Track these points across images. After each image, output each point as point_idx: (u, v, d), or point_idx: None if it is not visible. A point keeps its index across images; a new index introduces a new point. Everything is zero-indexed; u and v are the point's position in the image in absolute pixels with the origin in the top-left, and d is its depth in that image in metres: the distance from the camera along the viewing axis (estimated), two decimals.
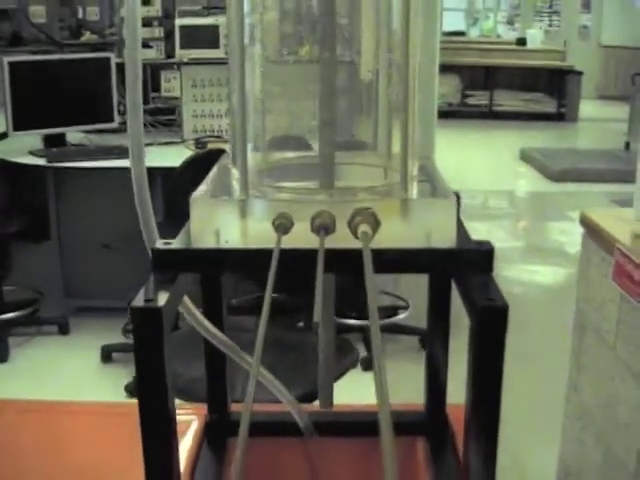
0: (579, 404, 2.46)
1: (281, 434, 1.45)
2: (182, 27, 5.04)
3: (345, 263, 1.00)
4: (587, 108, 14.21)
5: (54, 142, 4.80)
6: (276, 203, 1.01)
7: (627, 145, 10.19)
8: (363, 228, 0.95)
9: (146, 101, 5.99)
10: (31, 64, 4.73)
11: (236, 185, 1.06)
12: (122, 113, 5.37)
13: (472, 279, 0.98)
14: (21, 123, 4.60)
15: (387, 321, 4.73)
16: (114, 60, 5.01)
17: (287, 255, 0.97)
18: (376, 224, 0.97)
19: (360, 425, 1.48)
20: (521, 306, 4.65)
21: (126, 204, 4.58)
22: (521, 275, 5.92)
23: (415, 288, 4.70)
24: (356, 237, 0.96)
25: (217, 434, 1.43)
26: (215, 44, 5.06)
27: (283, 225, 0.97)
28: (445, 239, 1.01)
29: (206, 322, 1.21)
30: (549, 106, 13.91)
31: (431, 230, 1.01)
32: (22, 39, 5.52)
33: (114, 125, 5.05)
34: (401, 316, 4.81)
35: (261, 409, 1.54)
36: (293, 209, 0.99)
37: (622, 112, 11.68)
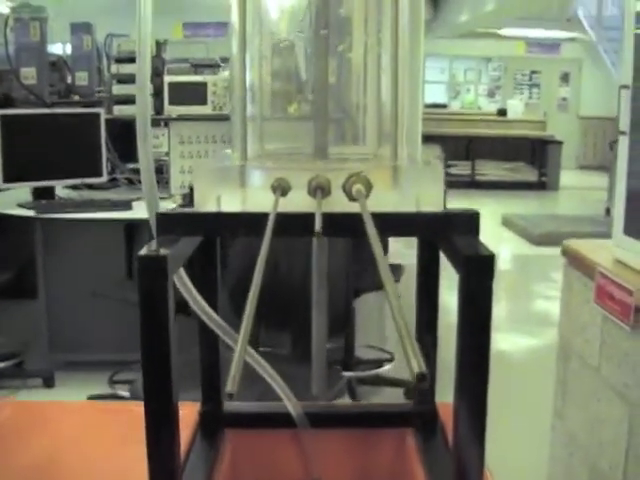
0: (565, 431, 2.49)
1: (274, 426, 1.47)
2: (171, 84, 5.14)
3: (341, 225, 1.05)
4: (567, 177, 14.44)
5: (43, 195, 4.85)
6: (274, 169, 1.06)
7: (607, 211, 10.32)
8: (358, 187, 1.01)
9: (134, 159, 6.08)
10: (22, 118, 4.81)
11: (235, 155, 1.11)
12: (111, 170, 5.46)
13: (459, 240, 1.04)
14: (11, 176, 4.65)
15: (371, 372, 4.75)
16: (103, 116, 5.11)
17: (285, 218, 1.02)
18: (369, 186, 1.03)
19: (354, 417, 1.52)
20: (503, 371, 4.67)
21: (113, 255, 4.61)
22: (505, 340, 5.95)
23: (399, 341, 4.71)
24: (351, 198, 1.02)
25: (211, 425, 1.45)
26: (203, 101, 5.16)
27: (281, 187, 1.02)
28: (433, 204, 1.07)
29: (199, 297, 1.25)
30: (530, 175, 14.12)
31: (420, 195, 1.07)
32: (12, 100, 5.60)
33: (103, 179, 5.13)
34: (386, 367, 4.83)
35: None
36: (290, 175, 1.05)
37: (602, 181, 11.86)
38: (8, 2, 10.53)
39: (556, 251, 8.21)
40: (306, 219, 1.04)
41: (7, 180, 4.63)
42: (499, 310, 6.96)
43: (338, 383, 2.49)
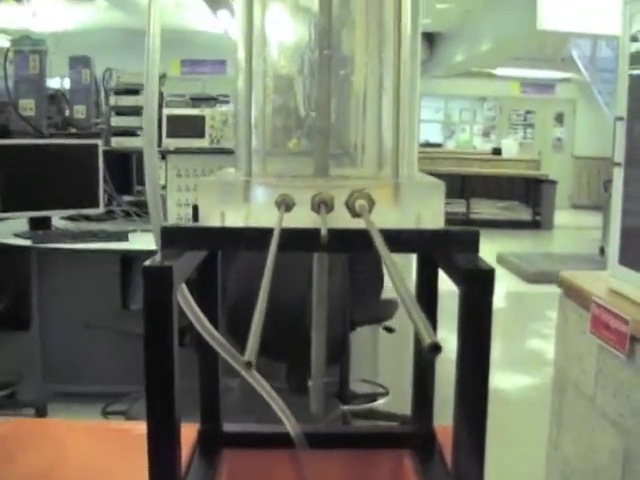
0: (560, 459, 2.49)
1: (273, 446, 1.48)
2: (169, 117, 5.17)
3: (344, 241, 1.07)
4: (562, 216, 14.50)
5: (40, 225, 4.87)
6: (277, 186, 1.08)
7: (602, 250, 10.36)
8: (361, 202, 1.02)
9: (131, 192, 6.11)
10: (20, 148, 4.83)
11: (240, 172, 1.13)
12: (107, 202, 5.48)
13: (459, 256, 1.05)
14: (8, 205, 4.67)
15: (366, 406, 4.74)
16: (101, 147, 5.14)
17: (288, 233, 1.04)
18: (371, 203, 1.04)
19: (352, 438, 1.52)
20: (499, 409, 4.67)
21: (108, 286, 4.62)
22: (501, 379, 5.95)
23: (395, 375, 4.73)
24: (354, 214, 1.04)
25: (209, 445, 1.46)
26: (201, 134, 5.19)
27: (285, 202, 1.04)
28: (434, 221, 1.09)
29: (200, 313, 1.26)
30: (525, 214, 14.19)
31: (421, 213, 1.09)
32: (10, 132, 5.63)
33: (100, 211, 5.15)
34: (381, 401, 4.83)
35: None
36: (294, 192, 1.06)
37: (596, 220, 11.92)
38: (7, 35, 10.63)
39: (551, 289, 8.20)
40: (309, 235, 1.05)
41: (4, 210, 4.65)
42: (494, 348, 6.92)
43: (335, 411, 2.49)
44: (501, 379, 5.97)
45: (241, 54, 1.15)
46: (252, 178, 1.12)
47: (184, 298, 1.22)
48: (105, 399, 4.59)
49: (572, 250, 11.41)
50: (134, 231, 4.90)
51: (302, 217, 1.06)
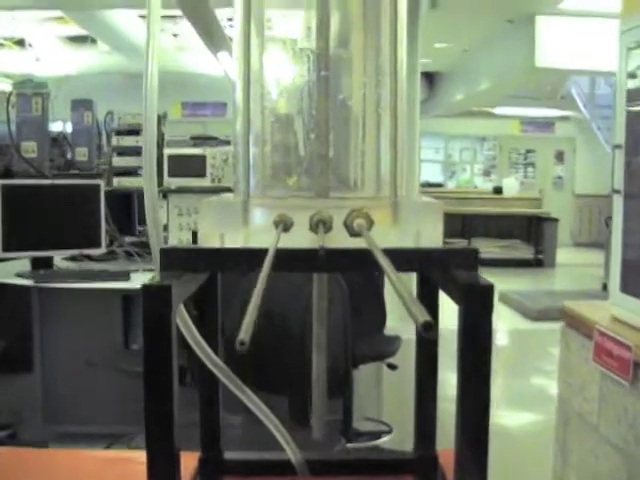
0: None
1: (273, 474, 1.47)
2: (170, 156, 5.20)
3: (343, 261, 1.07)
4: (563, 254, 14.49)
5: (41, 265, 4.87)
6: (276, 207, 1.09)
7: (604, 286, 10.33)
8: (359, 222, 1.03)
9: (132, 233, 6.12)
10: (23, 188, 4.85)
11: (239, 193, 1.14)
12: (109, 242, 5.49)
13: (458, 274, 1.05)
14: (10, 245, 4.67)
15: (369, 444, 4.70)
16: (103, 187, 5.16)
17: (286, 254, 1.04)
18: (370, 222, 1.05)
19: (354, 464, 1.51)
20: (502, 445, 4.64)
21: (109, 325, 4.59)
22: (505, 417, 5.91)
23: (399, 412, 4.70)
24: (352, 233, 1.04)
25: (210, 473, 1.44)
26: (202, 173, 5.21)
27: (283, 222, 1.04)
28: (433, 240, 1.09)
29: (199, 337, 1.26)
30: (526, 252, 14.18)
31: (420, 232, 1.09)
32: (12, 174, 5.65)
33: (102, 251, 5.15)
34: (384, 439, 4.79)
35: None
36: (292, 213, 1.07)
37: (598, 258, 11.91)
38: (10, 80, 10.72)
39: (554, 326, 8.15)
40: (307, 255, 1.06)
41: (6, 250, 4.65)
42: (498, 385, 6.91)
43: (338, 444, 2.47)
44: (505, 416, 5.93)
45: (239, 94, 1.16)
46: (251, 199, 1.13)
47: (183, 321, 1.22)
48: (107, 439, 4.55)
49: (575, 287, 11.39)
50: (136, 271, 4.90)
51: (301, 238, 1.07)
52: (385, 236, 1.07)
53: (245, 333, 0.69)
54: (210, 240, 1.10)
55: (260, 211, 1.11)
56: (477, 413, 1.02)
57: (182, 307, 1.18)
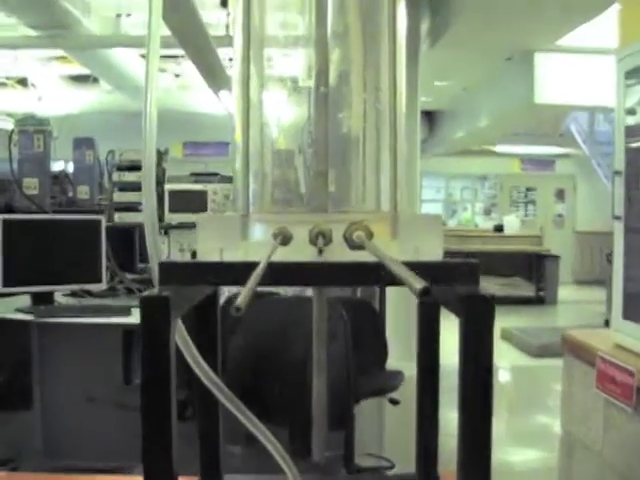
0: None
1: None
2: (171, 192, 5.22)
3: (342, 275, 1.07)
4: (565, 291, 14.47)
5: (42, 300, 4.86)
6: (275, 222, 1.08)
7: (606, 322, 10.31)
8: (359, 233, 1.03)
9: (134, 270, 6.11)
10: (24, 223, 4.85)
11: (238, 208, 1.14)
12: (110, 278, 5.48)
13: (459, 287, 1.05)
14: (11, 280, 4.66)
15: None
16: (104, 223, 5.16)
17: (285, 267, 1.04)
18: (370, 234, 1.04)
19: None
20: None
21: (110, 361, 4.57)
22: (508, 453, 5.88)
23: (401, 448, 4.66)
24: (352, 246, 1.04)
25: None
26: (203, 208, 5.23)
27: (282, 234, 1.04)
28: (433, 254, 1.09)
29: (199, 357, 1.24)
30: (528, 290, 14.16)
31: (419, 245, 1.09)
32: (14, 210, 5.67)
33: (102, 286, 5.14)
34: (386, 474, 4.75)
35: None
36: (292, 226, 1.07)
37: (599, 295, 11.89)
38: (10, 118, 10.79)
39: (555, 362, 8.15)
40: (307, 268, 1.06)
41: (6, 285, 4.64)
42: (500, 422, 6.87)
43: (340, 472, 2.45)
44: (508, 453, 5.90)
45: (238, 130, 1.17)
46: (250, 214, 1.12)
47: (182, 339, 1.21)
48: (107, 475, 4.51)
49: (576, 324, 11.36)
50: (137, 306, 4.87)
51: (300, 251, 1.06)
52: (385, 249, 1.07)
53: (243, 300, 0.69)
54: (209, 255, 1.10)
55: (259, 225, 1.11)
56: (479, 442, 1.01)
57: (182, 326, 1.17)
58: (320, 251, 1.04)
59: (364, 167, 1.18)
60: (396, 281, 1.08)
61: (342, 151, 1.19)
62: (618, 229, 2.17)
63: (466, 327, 0.99)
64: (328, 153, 1.15)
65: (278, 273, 1.03)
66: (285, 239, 1.05)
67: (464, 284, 1.06)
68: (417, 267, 1.09)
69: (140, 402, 1.01)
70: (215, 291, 1.40)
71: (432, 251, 1.09)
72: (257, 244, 1.10)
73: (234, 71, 1.20)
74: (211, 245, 1.10)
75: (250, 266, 1.07)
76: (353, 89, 1.19)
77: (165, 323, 0.96)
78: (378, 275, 1.05)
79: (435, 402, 1.44)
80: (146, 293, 0.98)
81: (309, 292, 1.39)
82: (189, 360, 1.24)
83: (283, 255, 1.04)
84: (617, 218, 2.18)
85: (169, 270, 1.07)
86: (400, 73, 1.17)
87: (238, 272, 1.09)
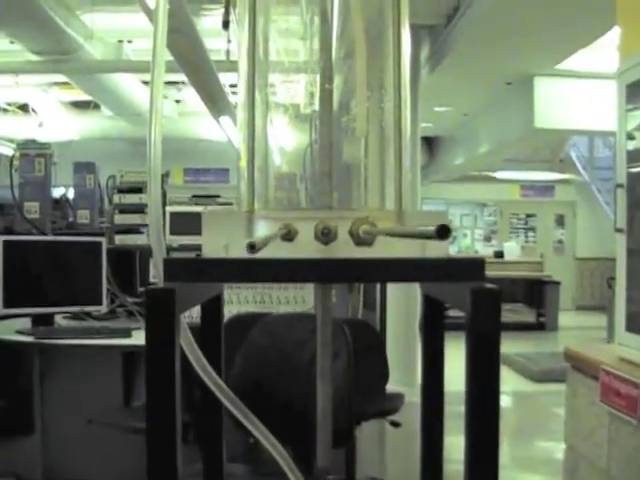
0: None
1: None
2: (172, 214, 5.21)
3: (347, 271, 1.06)
4: (566, 318, 14.44)
5: (42, 322, 4.84)
6: (280, 218, 1.08)
7: None
8: (364, 228, 1.02)
9: (134, 293, 6.09)
10: (24, 245, 4.84)
11: (243, 203, 1.14)
12: (110, 301, 5.46)
13: (465, 283, 1.04)
14: (11, 302, 4.65)
15: None
16: (105, 245, 5.15)
17: (291, 264, 1.03)
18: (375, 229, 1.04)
19: None
20: None
21: (110, 383, 4.54)
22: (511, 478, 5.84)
23: (402, 470, 4.64)
24: (357, 242, 1.03)
25: None
26: None
27: (287, 229, 1.04)
28: (439, 250, 1.08)
29: (203, 358, 1.24)
30: (529, 316, 14.13)
31: (425, 242, 1.08)
32: (14, 234, 5.65)
33: (103, 308, 5.12)
34: None
35: None
36: (297, 223, 1.06)
37: (600, 321, 11.86)
38: (11, 144, 10.81)
39: (557, 387, 8.08)
40: (312, 265, 1.05)
41: (7, 306, 4.62)
42: (503, 447, 6.82)
43: None
44: (510, 478, 5.85)
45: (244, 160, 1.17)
46: (256, 210, 1.12)
47: (187, 342, 1.20)
48: None
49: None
50: (137, 329, 4.86)
51: (305, 248, 1.06)
52: (391, 246, 1.06)
53: (261, 241, 0.69)
54: (214, 251, 1.10)
55: (264, 222, 1.11)
56: (487, 412, 1.00)
57: (187, 329, 1.17)
58: (325, 244, 1.03)
59: (369, 165, 1.18)
60: (408, 278, 1.08)
61: (347, 151, 1.19)
62: (620, 241, 2.17)
63: (472, 321, 0.98)
64: (332, 154, 1.15)
65: (283, 269, 1.03)
66: (290, 235, 1.05)
67: (471, 280, 1.05)
68: (424, 263, 1.09)
69: (145, 400, 1.00)
70: (219, 296, 1.40)
71: (438, 248, 1.08)
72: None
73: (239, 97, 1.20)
74: (216, 242, 1.10)
75: (254, 262, 1.06)
76: (357, 86, 1.19)
77: (170, 315, 0.96)
78: (382, 272, 1.05)
79: (440, 424, 1.44)
80: (152, 286, 0.98)
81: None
82: (194, 364, 1.23)
83: (288, 252, 1.04)
84: (619, 230, 2.18)
85: (174, 267, 1.06)
86: (404, 73, 1.17)
87: (242, 268, 1.09)
